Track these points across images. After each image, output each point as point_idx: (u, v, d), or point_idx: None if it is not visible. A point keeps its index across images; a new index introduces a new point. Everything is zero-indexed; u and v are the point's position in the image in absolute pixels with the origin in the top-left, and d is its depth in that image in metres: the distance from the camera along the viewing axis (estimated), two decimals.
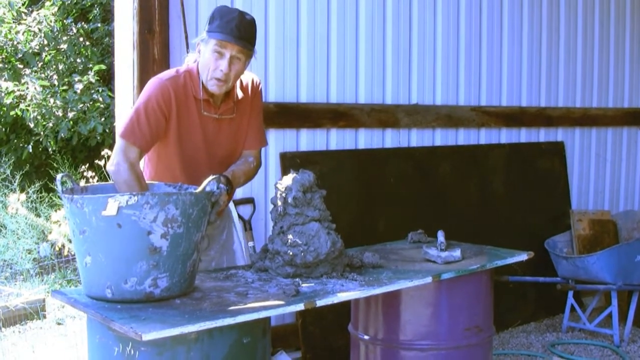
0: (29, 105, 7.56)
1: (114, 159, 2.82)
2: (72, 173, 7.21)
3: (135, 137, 2.82)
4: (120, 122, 2.90)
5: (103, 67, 7.83)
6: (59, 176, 2.50)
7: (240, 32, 2.80)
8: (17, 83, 7.66)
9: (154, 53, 3.74)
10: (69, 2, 8.43)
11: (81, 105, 7.63)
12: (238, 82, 3.02)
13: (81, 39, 8.41)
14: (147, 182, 2.88)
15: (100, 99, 7.69)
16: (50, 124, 7.69)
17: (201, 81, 2.90)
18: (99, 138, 7.80)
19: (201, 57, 2.88)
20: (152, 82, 2.92)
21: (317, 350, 4.19)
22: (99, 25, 8.52)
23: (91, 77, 7.64)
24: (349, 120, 4.52)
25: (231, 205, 3.29)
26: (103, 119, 7.68)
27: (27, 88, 7.53)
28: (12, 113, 7.84)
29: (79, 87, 7.61)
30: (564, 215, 5.42)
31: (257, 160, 3.16)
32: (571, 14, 5.69)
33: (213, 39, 2.81)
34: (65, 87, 7.80)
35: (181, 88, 2.90)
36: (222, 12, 2.83)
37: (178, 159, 2.95)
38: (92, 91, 7.70)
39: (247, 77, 3.11)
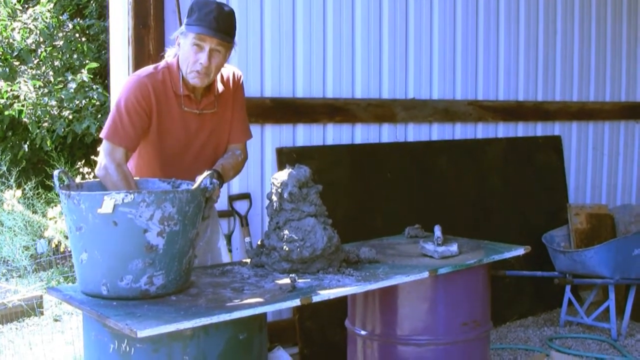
0: (23, 105, 7.53)
1: (101, 162, 2.79)
2: (68, 169, 7.20)
3: (120, 138, 2.79)
4: (105, 123, 2.88)
5: (95, 64, 7.79)
6: (56, 172, 2.49)
7: (218, 24, 2.76)
8: (9, 83, 7.63)
9: (149, 48, 3.73)
10: None
11: (77, 102, 7.60)
12: (219, 76, 2.98)
13: (77, 35, 8.38)
14: (141, 178, 2.86)
15: (95, 96, 7.66)
16: (46, 124, 7.67)
17: (181, 76, 2.87)
18: (95, 135, 7.79)
19: (181, 51, 2.84)
20: (130, 80, 2.89)
21: (314, 345, 4.19)
22: (95, 21, 8.49)
23: (84, 76, 7.60)
24: (346, 115, 4.51)
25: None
26: (99, 116, 7.66)
27: (20, 88, 7.51)
28: (6, 113, 7.81)
29: (72, 85, 7.58)
30: (561, 210, 5.41)
31: (244, 153, 3.13)
32: (567, 8, 5.68)
33: (192, 33, 2.77)
34: (59, 86, 7.77)
35: (160, 84, 2.87)
36: (200, 4, 2.78)
37: (158, 155, 2.92)
38: (87, 89, 7.66)
39: (228, 70, 3.08)
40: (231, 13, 2.84)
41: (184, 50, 2.82)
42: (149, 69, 2.93)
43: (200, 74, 2.81)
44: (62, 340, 4.80)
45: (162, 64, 2.95)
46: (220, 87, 3.00)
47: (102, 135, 2.85)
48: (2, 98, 7.58)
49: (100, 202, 2.30)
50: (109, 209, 2.29)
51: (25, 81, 7.60)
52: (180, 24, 3.79)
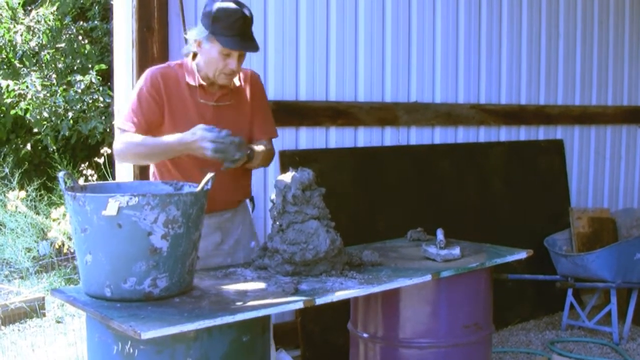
0: (29, 104, 7.55)
1: (115, 146, 2.91)
2: (71, 171, 7.21)
3: (128, 124, 2.89)
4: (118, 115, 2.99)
5: (104, 66, 7.82)
6: (61, 173, 2.50)
7: (246, 33, 2.86)
8: (17, 82, 7.65)
9: (153, 51, 3.74)
10: (68, 0, 8.42)
11: (80, 105, 7.62)
12: None
13: (80, 37, 8.40)
14: (144, 181, 2.90)
15: (101, 98, 7.69)
16: (50, 123, 7.68)
17: (196, 69, 2.96)
18: (99, 137, 7.81)
19: (205, 54, 2.91)
20: (144, 74, 2.99)
21: (316, 348, 4.19)
22: (98, 23, 8.50)
23: (93, 77, 7.63)
24: (348, 118, 4.52)
25: (248, 202, 3.31)
26: (103, 118, 7.68)
27: (27, 87, 7.53)
28: (12, 112, 7.83)
29: (80, 86, 7.60)
30: (563, 213, 5.42)
31: (272, 149, 3.21)
32: (570, 11, 5.69)
33: (222, 45, 2.84)
34: (64, 87, 7.79)
35: (172, 77, 2.96)
36: (227, 12, 2.83)
37: None
38: (93, 90, 7.69)
39: (244, 68, 3.15)
40: (252, 16, 2.92)
41: (209, 55, 2.90)
42: (162, 64, 3.07)
43: (230, 76, 2.94)
44: (64, 341, 4.81)
45: (174, 62, 3.07)
46: (236, 82, 3.07)
47: (116, 125, 2.98)
48: (9, 97, 7.60)
49: (104, 204, 2.31)
50: (114, 211, 2.30)
51: (32, 80, 7.62)
52: (184, 27, 3.81)
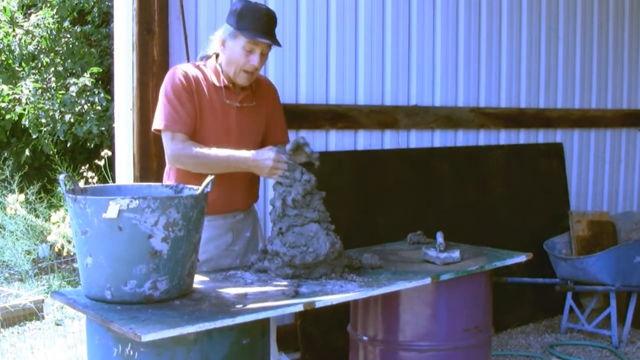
0: (24, 109, 7.54)
1: (168, 153, 2.91)
2: (71, 174, 7.21)
3: (177, 125, 2.89)
4: (155, 117, 2.97)
5: (99, 69, 7.82)
6: (61, 176, 2.50)
7: (270, 29, 2.93)
8: (11, 86, 7.65)
9: (153, 54, 3.74)
10: (67, 4, 8.42)
11: (78, 108, 7.62)
12: None
13: (79, 41, 8.39)
14: (144, 184, 2.90)
15: (97, 101, 7.68)
16: (47, 128, 7.68)
17: (221, 70, 2.99)
18: (96, 140, 7.80)
19: (228, 51, 2.96)
20: (170, 72, 3.01)
21: (316, 351, 4.19)
22: (97, 26, 8.50)
23: (86, 80, 7.62)
24: (348, 122, 4.52)
25: (256, 206, 3.34)
26: (103, 120, 7.68)
27: (22, 91, 7.52)
28: (7, 116, 7.83)
29: (74, 89, 7.60)
30: (563, 217, 5.42)
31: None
32: (570, 15, 5.69)
33: (248, 38, 2.89)
34: (62, 91, 7.79)
35: (199, 76, 2.99)
36: (252, 9, 2.91)
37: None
38: (88, 93, 7.68)
39: (260, 75, 3.22)
40: (276, 17, 2.99)
41: (233, 52, 2.94)
42: (184, 63, 3.11)
43: (250, 74, 2.98)
44: (63, 344, 4.81)
45: (195, 62, 3.09)
46: (253, 85, 3.12)
47: (157, 127, 2.93)
48: (4, 101, 7.59)
49: (105, 206, 2.31)
50: (114, 214, 2.30)
51: (27, 85, 7.61)
52: (185, 31, 3.81)
